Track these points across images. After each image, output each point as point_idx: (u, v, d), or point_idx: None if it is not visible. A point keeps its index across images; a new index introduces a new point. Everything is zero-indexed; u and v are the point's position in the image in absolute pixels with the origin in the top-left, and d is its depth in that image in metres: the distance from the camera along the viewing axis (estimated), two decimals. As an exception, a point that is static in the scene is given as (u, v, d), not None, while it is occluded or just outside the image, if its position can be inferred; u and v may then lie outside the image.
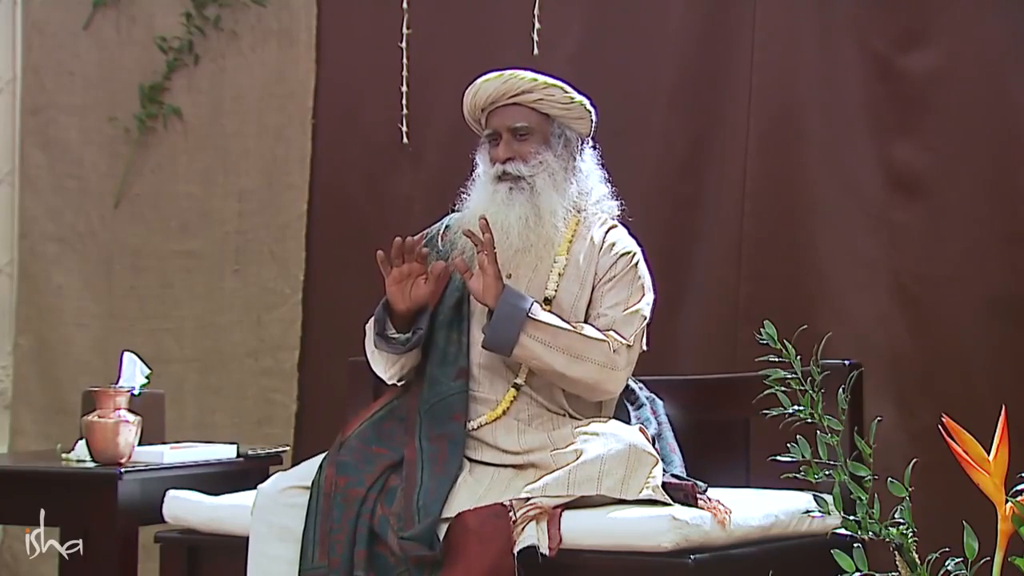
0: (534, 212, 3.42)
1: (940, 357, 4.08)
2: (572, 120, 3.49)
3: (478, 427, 3.36)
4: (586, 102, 3.51)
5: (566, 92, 3.48)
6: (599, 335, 3.35)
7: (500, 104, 3.47)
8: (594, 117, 3.53)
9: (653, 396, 3.58)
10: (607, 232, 3.50)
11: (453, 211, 3.56)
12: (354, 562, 3.15)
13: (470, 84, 3.51)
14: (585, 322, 3.41)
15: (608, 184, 3.56)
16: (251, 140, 4.99)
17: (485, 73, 3.50)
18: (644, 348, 3.45)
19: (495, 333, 3.31)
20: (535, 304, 3.34)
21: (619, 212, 3.56)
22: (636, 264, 3.47)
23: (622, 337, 3.37)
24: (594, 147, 3.56)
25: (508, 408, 3.37)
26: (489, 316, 3.34)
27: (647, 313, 3.44)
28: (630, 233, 3.54)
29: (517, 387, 3.39)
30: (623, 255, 3.47)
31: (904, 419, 4.06)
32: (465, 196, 3.53)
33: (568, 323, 3.35)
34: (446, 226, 3.56)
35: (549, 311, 3.37)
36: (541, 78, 3.47)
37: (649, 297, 3.46)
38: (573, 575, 3.10)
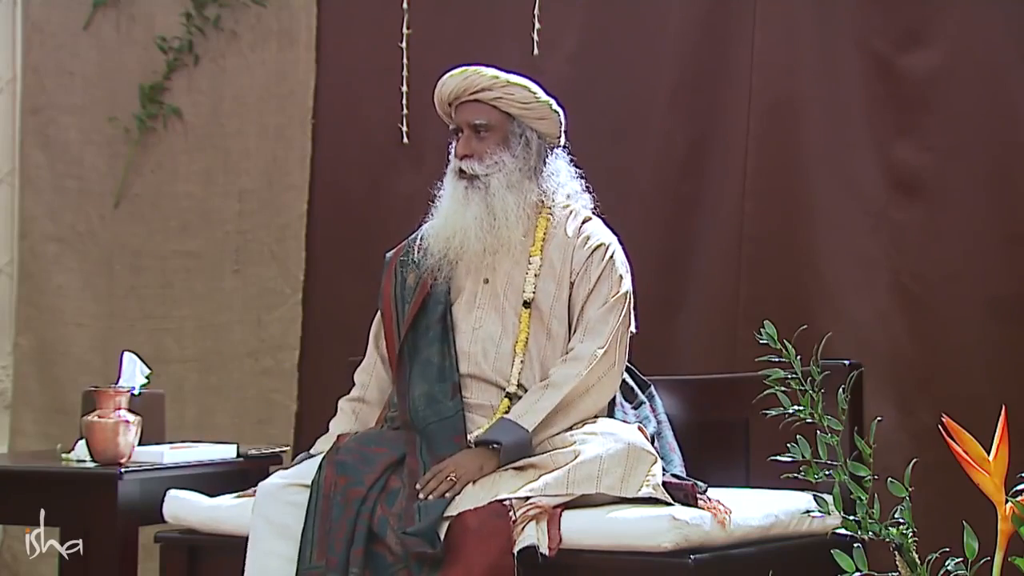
0: (488, 213, 3.42)
1: (940, 357, 4.08)
2: (534, 120, 3.47)
3: (475, 440, 3.34)
4: (552, 103, 3.48)
5: (529, 91, 3.46)
6: (575, 372, 3.31)
7: (463, 100, 3.48)
8: (562, 118, 3.51)
9: (653, 393, 3.57)
10: (582, 225, 3.48)
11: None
12: (350, 559, 3.14)
13: (439, 77, 3.52)
14: (569, 323, 3.41)
15: (582, 182, 3.53)
16: (251, 140, 4.99)
17: (465, 64, 3.50)
18: (634, 331, 3.45)
19: (509, 458, 3.25)
20: (523, 430, 3.25)
21: (592, 206, 3.54)
22: (611, 257, 3.44)
23: (595, 345, 3.36)
24: (565, 147, 3.54)
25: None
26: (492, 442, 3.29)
27: (627, 296, 3.42)
28: (606, 224, 3.52)
29: (510, 396, 3.38)
30: (597, 248, 3.44)
31: (904, 419, 4.06)
32: (440, 189, 3.52)
33: (552, 392, 3.30)
34: (421, 237, 3.55)
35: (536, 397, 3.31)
36: (503, 76, 3.46)
37: (627, 280, 3.44)
38: (573, 575, 3.10)
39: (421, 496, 3.18)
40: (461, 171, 3.46)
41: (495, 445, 3.24)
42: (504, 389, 3.38)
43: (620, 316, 3.40)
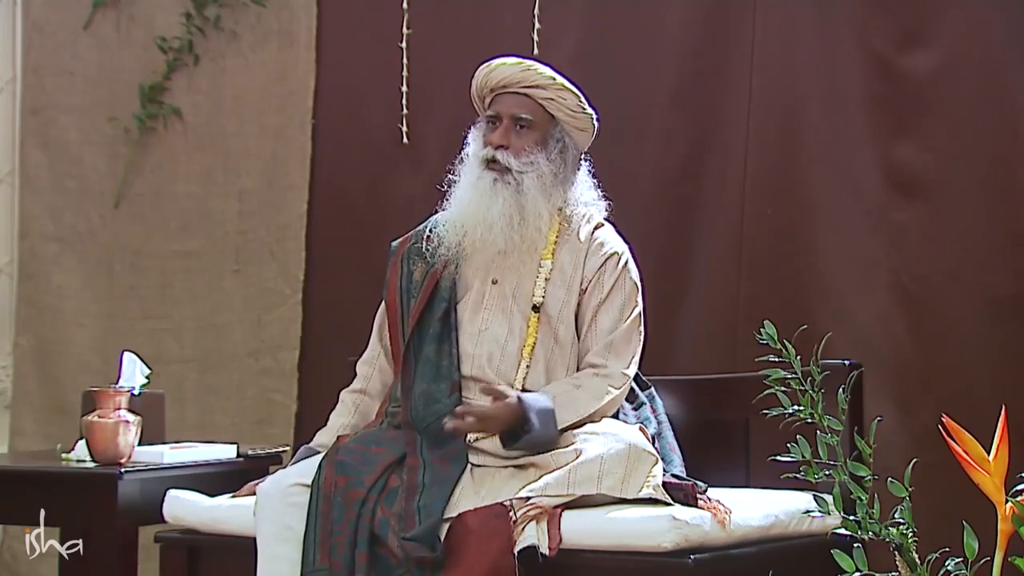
0: (518, 211, 3.39)
1: (940, 357, 4.08)
2: (575, 129, 3.47)
3: (476, 440, 3.34)
4: (594, 116, 3.48)
5: (579, 100, 3.46)
6: (607, 390, 3.33)
7: (512, 90, 3.44)
8: (595, 133, 3.51)
9: (653, 394, 3.57)
10: (594, 231, 3.48)
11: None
12: (355, 565, 3.14)
13: (488, 60, 3.48)
14: (576, 330, 3.42)
15: (599, 191, 3.53)
16: (251, 140, 4.99)
17: (506, 56, 3.49)
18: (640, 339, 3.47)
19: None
20: (555, 428, 3.25)
21: (606, 212, 3.54)
22: (625, 265, 3.45)
23: (622, 366, 3.38)
24: (586, 158, 3.54)
25: None
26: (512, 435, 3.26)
27: (640, 312, 3.44)
28: (617, 231, 3.52)
29: None
30: (610, 257, 3.44)
31: (904, 419, 4.06)
32: (454, 179, 3.50)
33: (590, 401, 3.31)
34: (431, 228, 3.53)
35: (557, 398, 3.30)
36: (560, 79, 3.45)
37: (639, 291, 3.46)
38: (573, 575, 3.10)
39: (448, 424, 3.17)
40: (493, 160, 3.42)
41: (526, 428, 3.21)
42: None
43: (640, 335, 3.42)
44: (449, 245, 3.44)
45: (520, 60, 3.46)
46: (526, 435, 3.22)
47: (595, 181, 3.54)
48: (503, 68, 3.45)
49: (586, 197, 3.51)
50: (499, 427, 3.24)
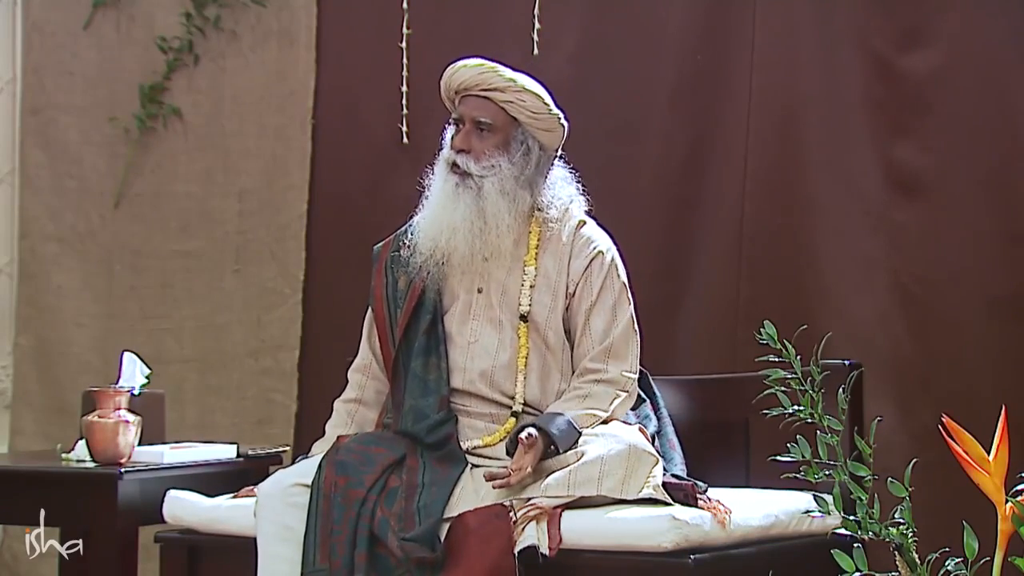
0: (480, 216, 3.35)
1: (940, 357, 4.08)
2: (539, 130, 3.41)
3: (475, 447, 3.33)
4: (560, 116, 3.42)
5: (541, 100, 3.40)
6: (612, 396, 3.34)
7: (472, 93, 3.41)
8: (566, 132, 3.45)
9: (654, 391, 3.56)
10: (577, 230, 3.43)
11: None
12: (355, 564, 3.14)
13: (452, 62, 3.47)
14: (566, 333, 3.40)
15: (578, 185, 3.49)
16: (251, 140, 4.99)
17: (471, 57, 3.47)
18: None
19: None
20: (578, 431, 3.23)
21: (587, 208, 3.49)
22: (612, 262, 3.42)
23: (621, 368, 3.36)
24: (562, 156, 3.50)
25: (507, 434, 3.33)
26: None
27: (632, 310, 3.42)
28: (600, 225, 3.49)
29: (516, 415, 3.35)
30: (595, 256, 3.41)
31: (904, 419, 4.06)
32: (431, 178, 3.48)
33: (602, 412, 3.32)
34: (410, 231, 3.49)
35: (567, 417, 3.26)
36: (519, 80, 3.40)
37: (627, 288, 3.43)
38: (573, 575, 3.10)
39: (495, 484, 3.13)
40: (455, 165, 3.40)
41: (552, 446, 3.18)
42: (503, 404, 3.35)
43: (636, 334, 3.41)
44: (423, 252, 3.42)
45: (481, 62, 3.42)
46: (554, 453, 3.20)
47: (575, 173, 3.50)
48: (463, 71, 3.41)
49: (562, 196, 3.46)
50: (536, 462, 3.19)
